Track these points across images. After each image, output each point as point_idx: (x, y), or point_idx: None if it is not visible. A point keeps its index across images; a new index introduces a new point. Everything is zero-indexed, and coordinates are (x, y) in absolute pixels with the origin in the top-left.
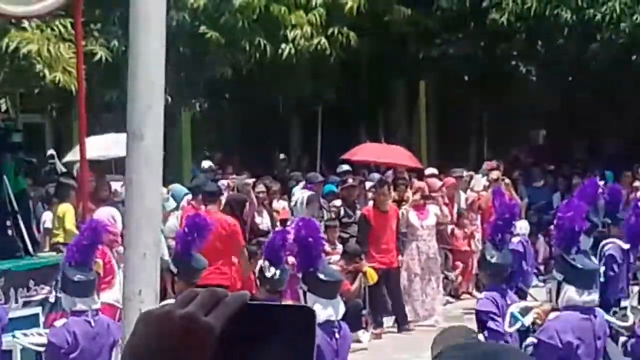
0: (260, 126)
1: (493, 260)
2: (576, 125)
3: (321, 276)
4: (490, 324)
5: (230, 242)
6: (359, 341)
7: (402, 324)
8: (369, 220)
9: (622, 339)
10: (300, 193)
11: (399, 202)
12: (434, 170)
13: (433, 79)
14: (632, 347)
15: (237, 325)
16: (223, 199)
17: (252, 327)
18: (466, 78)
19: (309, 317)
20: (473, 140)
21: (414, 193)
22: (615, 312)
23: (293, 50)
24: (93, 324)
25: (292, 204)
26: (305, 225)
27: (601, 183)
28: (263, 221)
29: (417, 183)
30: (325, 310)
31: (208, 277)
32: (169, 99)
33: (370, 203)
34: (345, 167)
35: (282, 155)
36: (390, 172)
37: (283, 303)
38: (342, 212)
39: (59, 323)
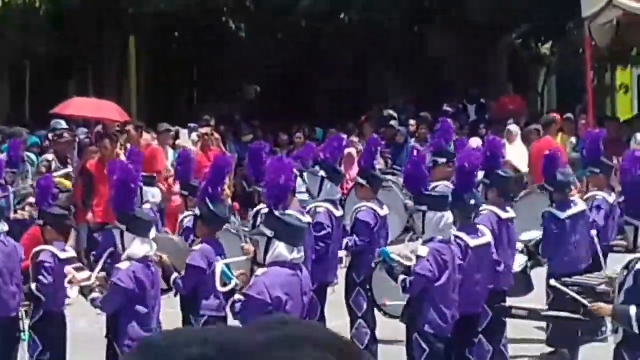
0: None
1: (215, 211)
2: (288, 82)
3: None
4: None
5: None
6: None
7: None
8: (91, 173)
9: (400, 276)
10: None
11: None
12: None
13: (144, 34)
14: (409, 283)
15: None
16: None
17: None
18: (176, 34)
19: None
20: (184, 94)
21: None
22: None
23: (1, 3)
24: (6, 243)
25: None
26: None
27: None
28: None
29: (144, 136)
30: None
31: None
32: None
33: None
34: (63, 122)
35: None
36: (99, 127)
37: None
38: (53, 166)
39: None
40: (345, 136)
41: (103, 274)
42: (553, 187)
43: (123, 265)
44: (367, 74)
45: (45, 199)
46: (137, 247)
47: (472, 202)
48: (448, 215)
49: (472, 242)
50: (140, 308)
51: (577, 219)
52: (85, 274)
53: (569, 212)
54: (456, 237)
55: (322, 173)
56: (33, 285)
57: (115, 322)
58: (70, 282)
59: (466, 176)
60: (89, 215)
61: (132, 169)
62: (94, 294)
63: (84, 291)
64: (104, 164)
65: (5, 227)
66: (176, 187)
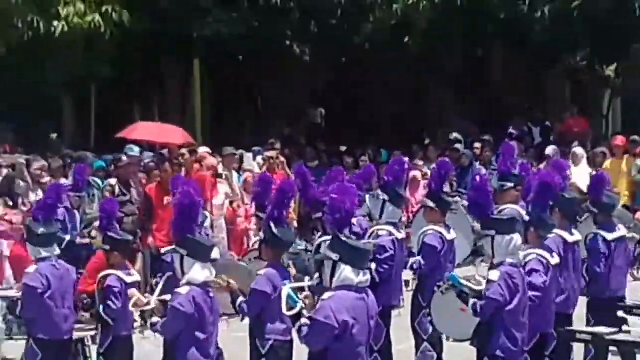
0: (32, 104)
1: (279, 235)
2: (351, 106)
3: None
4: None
5: None
6: None
7: None
8: (151, 198)
9: (471, 300)
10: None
11: None
12: (207, 149)
13: (207, 58)
14: (480, 307)
15: None
16: None
17: None
18: (241, 58)
19: None
20: (248, 118)
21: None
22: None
23: (66, 28)
24: (58, 267)
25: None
26: None
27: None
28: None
29: (209, 160)
30: None
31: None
32: None
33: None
34: (136, 148)
35: (54, 135)
36: (165, 151)
37: None
38: (117, 191)
39: (31, 269)
40: (407, 159)
41: (164, 297)
42: (598, 208)
43: (183, 290)
44: (429, 97)
45: (110, 224)
46: (198, 272)
47: (551, 222)
48: (517, 238)
49: (552, 260)
50: (200, 334)
51: (621, 243)
52: (146, 298)
53: (615, 235)
54: (538, 255)
55: (384, 196)
56: (101, 310)
57: (173, 347)
58: (135, 305)
59: (548, 195)
60: (150, 240)
61: (195, 194)
62: (154, 319)
63: (145, 315)
64: (163, 188)
65: (57, 251)
66: (241, 211)
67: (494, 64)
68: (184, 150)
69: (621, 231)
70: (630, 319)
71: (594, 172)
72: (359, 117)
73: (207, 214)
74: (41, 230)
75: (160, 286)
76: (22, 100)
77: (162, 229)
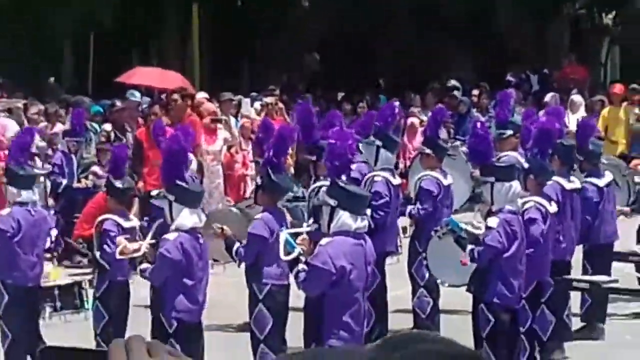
0: (32, 49)
1: (277, 181)
2: (349, 52)
3: None
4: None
5: None
6: None
7: None
8: (141, 142)
9: (469, 246)
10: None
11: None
12: (205, 94)
13: (206, 3)
14: (478, 253)
15: None
16: None
17: None
18: (239, 3)
19: None
20: (246, 64)
21: (204, 116)
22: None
23: None
24: (33, 213)
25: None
26: None
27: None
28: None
29: (207, 105)
30: None
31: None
32: None
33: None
34: (137, 93)
35: (52, 79)
36: (163, 96)
37: None
38: (112, 136)
39: (4, 212)
40: (397, 104)
41: (153, 241)
42: (584, 155)
43: (171, 236)
44: (430, 44)
45: (119, 170)
46: (186, 218)
47: (550, 169)
48: (516, 185)
49: (550, 209)
50: (187, 280)
51: (609, 189)
52: (137, 244)
53: (604, 181)
54: (537, 202)
55: (377, 142)
56: (97, 254)
57: (161, 293)
58: (122, 253)
59: (547, 142)
60: (140, 184)
61: (183, 139)
62: (144, 265)
63: (135, 261)
64: None
65: (35, 197)
66: (238, 157)
67: (496, 11)
68: (175, 95)
69: (607, 177)
70: (624, 265)
71: (580, 119)
72: (358, 64)
73: (195, 158)
74: (22, 172)
75: (151, 233)
76: (22, 44)
77: (152, 173)
